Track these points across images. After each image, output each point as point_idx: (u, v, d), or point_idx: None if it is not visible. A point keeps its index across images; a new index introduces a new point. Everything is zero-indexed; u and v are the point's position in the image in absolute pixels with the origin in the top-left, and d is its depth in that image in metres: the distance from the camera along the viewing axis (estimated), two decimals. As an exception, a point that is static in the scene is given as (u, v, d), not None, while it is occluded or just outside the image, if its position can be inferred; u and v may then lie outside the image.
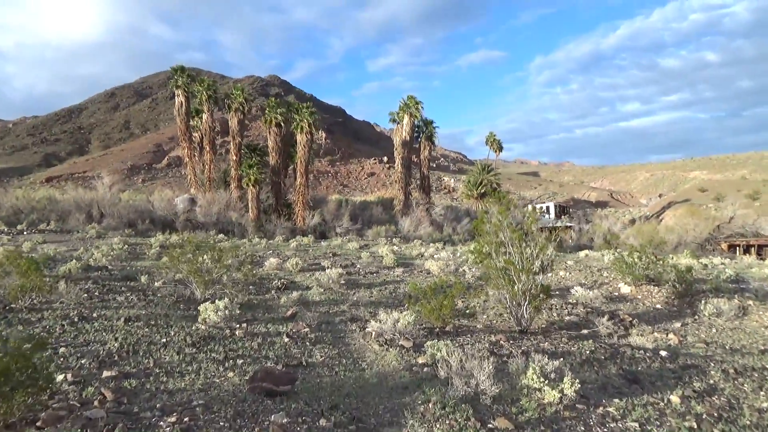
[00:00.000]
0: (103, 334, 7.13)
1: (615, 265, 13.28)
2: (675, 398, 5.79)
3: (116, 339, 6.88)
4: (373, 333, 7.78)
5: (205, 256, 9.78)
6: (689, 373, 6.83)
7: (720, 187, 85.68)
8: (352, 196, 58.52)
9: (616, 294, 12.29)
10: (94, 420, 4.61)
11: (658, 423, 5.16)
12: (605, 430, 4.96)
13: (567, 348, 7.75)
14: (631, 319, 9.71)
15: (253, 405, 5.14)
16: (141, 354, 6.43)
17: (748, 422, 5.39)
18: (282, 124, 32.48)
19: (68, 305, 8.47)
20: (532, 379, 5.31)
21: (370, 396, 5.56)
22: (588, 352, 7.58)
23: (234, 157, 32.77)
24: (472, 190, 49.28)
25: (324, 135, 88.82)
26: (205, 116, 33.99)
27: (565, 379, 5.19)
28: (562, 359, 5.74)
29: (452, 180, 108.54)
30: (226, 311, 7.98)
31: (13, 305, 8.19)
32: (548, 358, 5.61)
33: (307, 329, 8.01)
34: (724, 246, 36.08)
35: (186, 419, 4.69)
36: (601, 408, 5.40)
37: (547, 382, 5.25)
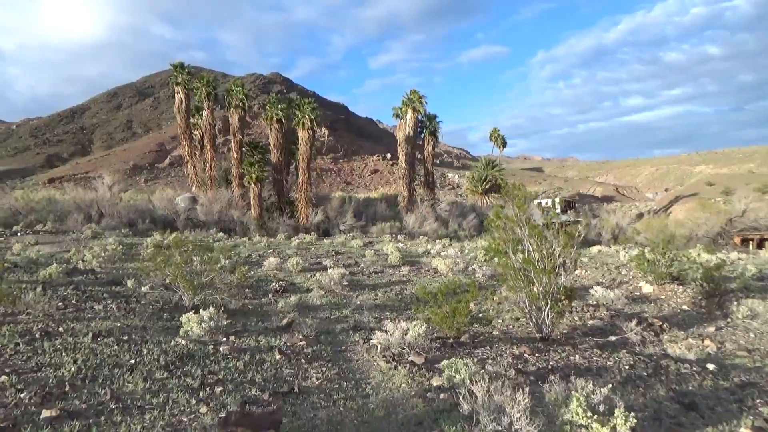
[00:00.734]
0: (63, 354, 5.94)
1: (635, 262, 12.52)
2: (745, 431, 4.93)
3: (75, 361, 5.73)
4: (379, 346, 6.94)
5: (194, 258, 8.95)
6: (750, 395, 5.99)
7: (727, 181, 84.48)
8: (355, 193, 57.82)
9: (638, 294, 11.51)
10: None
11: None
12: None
13: (602, 362, 6.91)
14: (660, 323, 8.90)
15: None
16: (99, 382, 5.26)
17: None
18: (283, 120, 31.84)
19: (35, 318, 7.35)
20: (577, 413, 4.35)
21: (375, 437, 4.61)
22: (627, 367, 6.74)
23: (235, 155, 32.16)
24: (477, 185, 48.60)
25: (327, 132, 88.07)
26: (205, 113, 33.34)
27: (617, 412, 4.26)
28: (610, 385, 4.64)
29: (456, 176, 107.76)
30: (212, 322, 7.10)
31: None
32: (592, 384, 4.65)
33: (303, 342, 7.22)
34: (737, 240, 35.27)
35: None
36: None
37: (595, 417, 4.29)
